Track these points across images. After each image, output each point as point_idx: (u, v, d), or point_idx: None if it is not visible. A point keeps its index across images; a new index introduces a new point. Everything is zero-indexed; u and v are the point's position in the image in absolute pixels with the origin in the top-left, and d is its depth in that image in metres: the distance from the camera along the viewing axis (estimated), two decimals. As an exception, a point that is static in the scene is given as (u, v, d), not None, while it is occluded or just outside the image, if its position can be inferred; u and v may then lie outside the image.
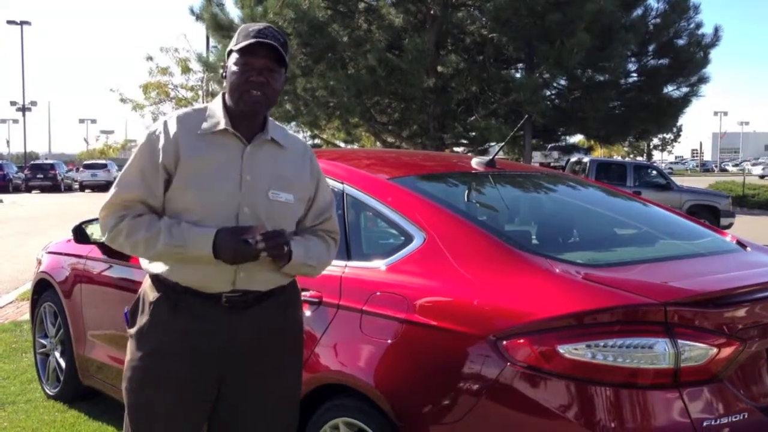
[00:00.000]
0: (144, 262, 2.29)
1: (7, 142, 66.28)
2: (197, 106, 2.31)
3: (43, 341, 4.77)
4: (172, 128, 2.19)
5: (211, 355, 2.20)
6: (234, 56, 2.18)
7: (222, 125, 2.20)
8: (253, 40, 2.14)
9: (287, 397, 2.35)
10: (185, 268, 2.18)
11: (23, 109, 56.35)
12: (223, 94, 2.26)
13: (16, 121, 69.97)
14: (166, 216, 2.20)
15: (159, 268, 2.22)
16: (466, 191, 3.26)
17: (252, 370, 2.25)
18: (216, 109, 2.24)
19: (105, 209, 2.22)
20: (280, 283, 2.28)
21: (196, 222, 2.16)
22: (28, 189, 37.57)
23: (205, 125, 2.20)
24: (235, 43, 2.19)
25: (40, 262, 4.84)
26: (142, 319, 2.24)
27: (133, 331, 2.26)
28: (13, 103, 60.10)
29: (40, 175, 38.09)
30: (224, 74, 2.24)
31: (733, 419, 2.20)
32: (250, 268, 2.17)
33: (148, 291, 2.26)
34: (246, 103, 2.18)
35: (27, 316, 6.17)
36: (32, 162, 44.24)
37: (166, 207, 2.21)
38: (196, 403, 2.23)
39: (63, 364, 4.50)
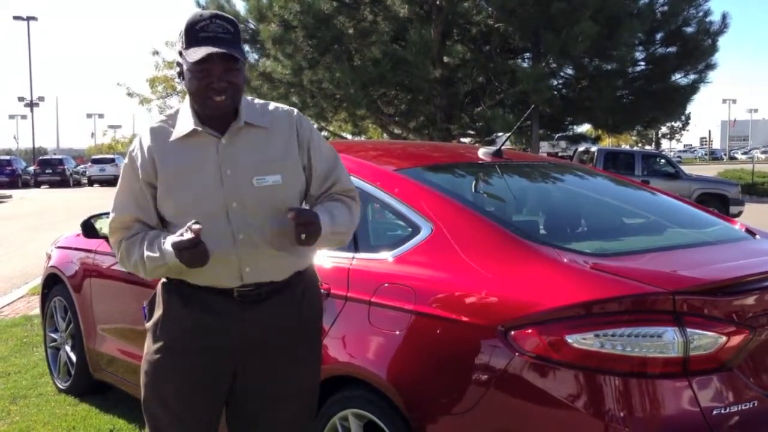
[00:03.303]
0: None
1: (15, 138, 66.53)
2: (169, 111, 2.26)
3: (53, 335, 4.80)
4: (146, 142, 2.17)
5: (224, 351, 2.18)
6: (188, 62, 2.05)
7: (191, 125, 2.14)
8: (204, 53, 2.01)
9: (304, 389, 2.30)
10: (192, 269, 2.09)
11: (31, 105, 56.47)
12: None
13: (24, 117, 70.28)
14: (158, 229, 2.18)
15: None
16: (473, 182, 3.25)
17: (266, 365, 2.22)
18: (185, 111, 2.19)
19: (110, 236, 2.26)
20: (296, 269, 2.23)
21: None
22: (37, 184, 37.77)
23: (175, 131, 2.16)
24: (185, 46, 2.06)
25: (49, 257, 4.87)
26: (156, 313, 2.24)
27: (148, 325, 2.26)
28: (20, 99, 60.33)
29: (49, 171, 38.33)
30: (180, 73, 2.14)
31: (743, 407, 2.20)
32: (255, 261, 2.13)
33: (162, 285, 2.27)
34: (212, 109, 2.10)
35: (37, 311, 6.21)
36: (41, 157, 44.44)
37: (160, 218, 2.20)
38: (208, 398, 2.22)
39: (74, 357, 4.53)
